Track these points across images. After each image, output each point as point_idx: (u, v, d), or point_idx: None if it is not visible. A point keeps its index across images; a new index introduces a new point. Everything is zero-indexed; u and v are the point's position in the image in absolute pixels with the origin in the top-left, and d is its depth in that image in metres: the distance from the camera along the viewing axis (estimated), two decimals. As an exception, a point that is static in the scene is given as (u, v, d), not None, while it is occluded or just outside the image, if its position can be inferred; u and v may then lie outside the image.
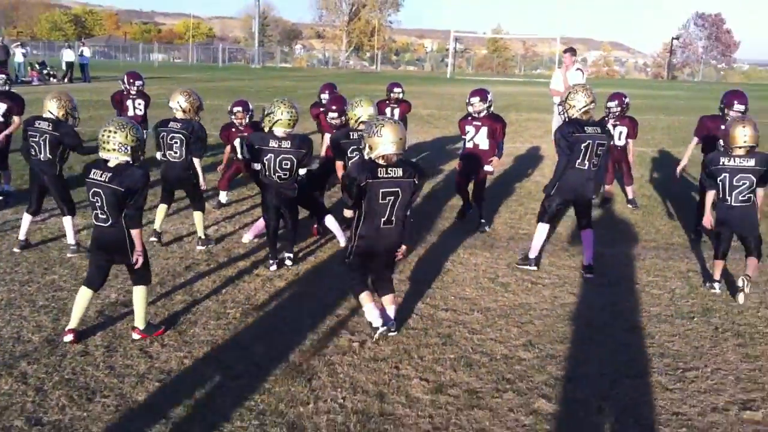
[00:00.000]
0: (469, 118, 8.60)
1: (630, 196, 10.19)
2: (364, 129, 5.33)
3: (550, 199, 7.14)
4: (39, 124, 7.27)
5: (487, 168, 8.49)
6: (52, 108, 7.26)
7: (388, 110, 12.11)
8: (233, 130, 9.25)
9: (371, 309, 5.34)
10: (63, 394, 4.42)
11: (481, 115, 8.51)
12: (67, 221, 7.39)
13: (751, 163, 6.42)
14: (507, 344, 5.40)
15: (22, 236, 7.48)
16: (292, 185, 6.97)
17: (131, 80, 11.21)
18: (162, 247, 7.58)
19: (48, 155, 7.23)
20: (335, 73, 65.47)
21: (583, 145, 6.77)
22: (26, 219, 7.49)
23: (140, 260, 5.21)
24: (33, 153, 7.27)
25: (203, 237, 7.73)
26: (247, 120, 9.23)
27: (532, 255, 7.26)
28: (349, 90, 33.77)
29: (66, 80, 35.94)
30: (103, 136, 5.09)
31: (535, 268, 7.22)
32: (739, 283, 6.39)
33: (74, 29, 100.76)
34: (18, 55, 35.47)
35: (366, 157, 5.24)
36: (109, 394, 4.45)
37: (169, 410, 4.26)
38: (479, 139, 8.52)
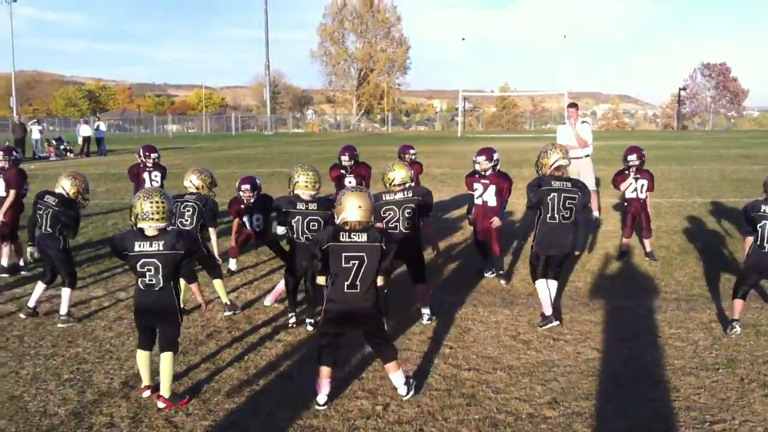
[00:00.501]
0: (477, 175, 8.81)
1: (648, 249, 10.18)
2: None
3: (533, 256, 7.33)
4: (47, 198, 7.62)
5: (494, 222, 8.70)
6: (66, 185, 7.62)
7: None
8: (242, 206, 9.19)
9: (320, 383, 5.35)
10: (90, 468, 4.43)
11: (488, 173, 8.71)
12: (65, 292, 7.56)
13: None
14: (532, 403, 5.38)
15: (31, 303, 7.69)
16: None
17: (147, 153, 11.41)
18: (184, 317, 7.63)
19: (48, 229, 7.53)
20: (347, 136, 66.25)
21: (549, 198, 6.98)
22: (39, 287, 7.73)
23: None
24: (39, 225, 7.59)
25: (228, 303, 7.79)
26: (255, 196, 9.10)
27: (547, 312, 7.26)
28: (365, 152, 34.20)
29: (83, 155, 36.56)
30: (149, 206, 5.27)
31: (557, 323, 7.19)
32: None
33: (88, 104, 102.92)
34: (35, 132, 36.21)
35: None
36: (136, 466, 4.46)
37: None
38: (488, 196, 8.74)
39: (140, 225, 5.33)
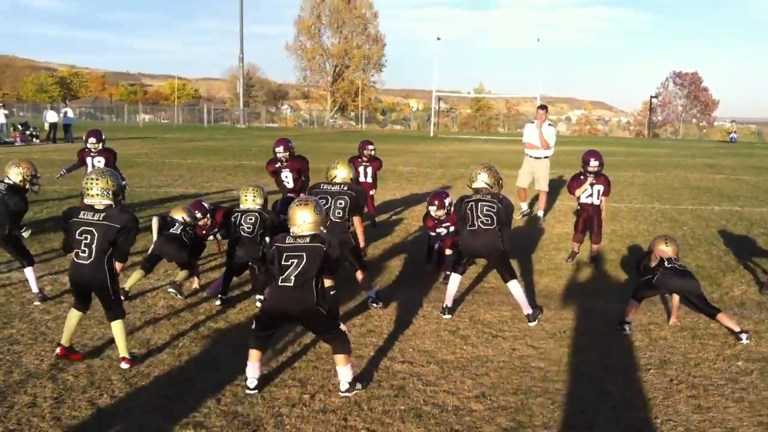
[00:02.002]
0: (436, 221, 9.12)
1: (593, 254, 10.19)
2: None
3: (459, 256, 7.59)
4: None
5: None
6: (12, 174, 7.73)
7: (361, 168, 12.24)
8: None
9: (249, 366, 5.39)
10: (4, 448, 4.38)
11: (443, 218, 9.08)
12: (28, 272, 7.59)
13: None
14: (459, 396, 5.40)
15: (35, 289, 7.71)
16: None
17: (88, 138, 11.37)
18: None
19: None
20: (320, 132, 66.10)
21: (468, 208, 7.28)
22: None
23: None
24: None
25: (176, 282, 7.88)
26: (210, 222, 9.07)
27: (447, 303, 7.50)
28: (334, 148, 34.13)
29: (49, 141, 36.08)
30: (86, 183, 5.69)
31: (448, 316, 7.41)
32: None
33: (60, 91, 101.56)
34: (0, 116, 35.64)
35: None
36: (51, 447, 4.42)
37: (109, 463, 4.23)
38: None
39: (86, 201, 5.73)
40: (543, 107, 14.41)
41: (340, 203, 7.57)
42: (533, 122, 14.20)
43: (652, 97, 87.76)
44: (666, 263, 7.13)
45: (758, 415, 5.18)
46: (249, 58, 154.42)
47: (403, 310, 7.62)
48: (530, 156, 14.02)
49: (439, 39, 73.96)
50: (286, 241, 5.37)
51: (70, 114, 39.09)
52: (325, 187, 7.80)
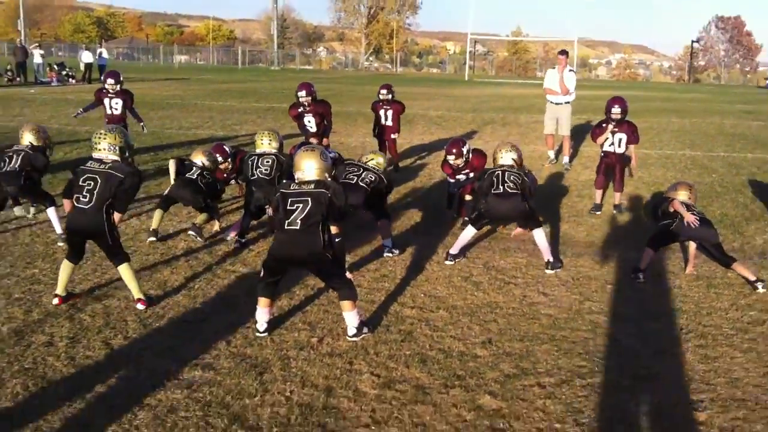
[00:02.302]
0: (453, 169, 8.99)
1: (616, 201, 10.08)
2: None
3: (479, 214, 7.53)
4: (15, 146, 8.03)
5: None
6: (31, 138, 8.05)
7: (382, 111, 12.24)
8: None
9: (259, 312, 5.48)
10: (19, 383, 4.54)
11: (461, 166, 8.88)
12: (51, 212, 7.86)
13: None
14: (465, 342, 5.45)
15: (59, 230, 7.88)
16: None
17: (106, 79, 11.49)
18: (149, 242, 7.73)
19: (16, 167, 7.76)
20: (354, 74, 65.73)
21: (493, 176, 7.35)
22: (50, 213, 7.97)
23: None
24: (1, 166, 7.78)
25: (197, 225, 8.00)
26: (231, 166, 9.22)
27: (452, 250, 7.55)
28: (366, 91, 33.83)
29: (84, 81, 36.37)
30: (95, 138, 5.91)
31: (450, 262, 7.45)
32: None
33: (97, 31, 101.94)
34: (36, 57, 35.97)
35: None
36: (65, 384, 4.57)
37: (117, 400, 4.37)
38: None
39: (93, 155, 5.92)
40: (563, 52, 14.32)
41: (371, 178, 7.67)
42: (554, 68, 14.10)
43: (693, 41, 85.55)
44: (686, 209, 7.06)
45: (765, 366, 5.16)
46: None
47: (418, 255, 7.66)
48: (551, 102, 14.03)
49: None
50: (291, 187, 5.40)
51: (105, 54, 39.43)
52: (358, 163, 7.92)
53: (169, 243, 7.83)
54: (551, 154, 14.07)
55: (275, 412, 4.29)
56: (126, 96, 11.50)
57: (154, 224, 7.93)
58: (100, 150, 5.87)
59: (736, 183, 12.27)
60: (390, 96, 12.32)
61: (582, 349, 5.40)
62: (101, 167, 5.78)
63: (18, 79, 34.57)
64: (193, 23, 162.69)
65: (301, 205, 5.30)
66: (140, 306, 5.88)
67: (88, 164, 5.85)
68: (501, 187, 7.26)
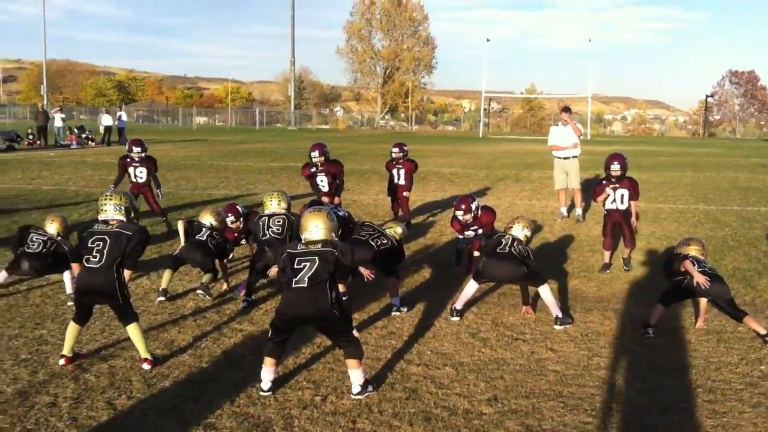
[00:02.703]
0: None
1: (625, 256, 9.98)
2: None
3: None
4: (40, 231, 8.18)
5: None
6: (49, 229, 8.19)
7: (395, 170, 12.34)
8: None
9: (264, 371, 5.49)
10: (21, 445, 4.54)
11: (470, 222, 8.96)
12: (66, 274, 7.89)
13: None
14: (471, 399, 5.40)
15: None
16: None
17: (132, 147, 11.66)
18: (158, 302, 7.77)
19: (43, 250, 7.98)
20: (370, 133, 66.40)
21: (503, 238, 7.56)
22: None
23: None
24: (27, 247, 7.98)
25: (205, 284, 8.06)
26: (242, 226, 9.12)
27: (456, 305, 7.58)
28: (381, 149, 34.12)
29: (104, 144, 37.00)
30: (101, 200, 6.10)
31: (456, 319, 7.46)
32: None
33: (118, 95, 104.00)
34: (57, 120, 36.72)
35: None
36: (66, 444, 4.57)
37: (118, 461, 4.35)
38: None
39: (100, 217, 6.08)
40: (566, 109, 14.53)
41: (384, 241, 7.74)
42: (557, 125, 14.30)
43: (707, 96, 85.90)
44: (697, 267, 7.02)
45: (775, 422, 5.08)
46: (301, 62, 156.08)
47: (426, 312, 7.65)
48: (559, 157, 14.16)
49: (488, 40, 73.69)
50: (298, 248, 5.46)
51: (124, 117, 40.17)
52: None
53: (178, 302, 7.88)
54: (564, 210, 14.05)
55: (275, 472, 4.25)
56: (150, 163, 11.69)
57: (163, 284, 8.00)
58: (106, 212, 6.02)
59: (749, 237, 12.18)
60: (402, 154, 12.45)
61: (588, 405, 5.33)
62: (109, 228, 5.93)
63: (39, 142, 35.25)
64: (212, 86, 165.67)
65: (308, 264, 5.35)
66: (146, 366, 5.89)
67: (96, 227, 5.99)
68: (506, 249, 7.37)
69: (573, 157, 13.96)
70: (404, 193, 12.46)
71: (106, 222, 6.00)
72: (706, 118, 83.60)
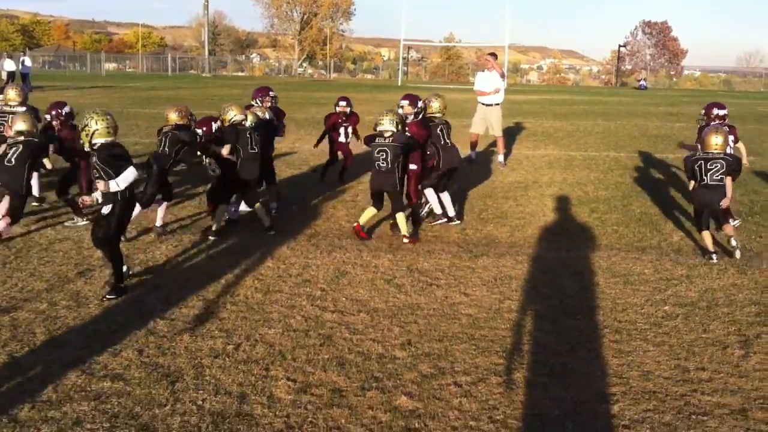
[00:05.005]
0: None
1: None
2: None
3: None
4: None
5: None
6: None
7: (342, 129, 11.56)
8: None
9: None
10: None
11: (409, 119, 8.87)
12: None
13: None
14: (385, 344, 5.42)
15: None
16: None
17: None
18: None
19: None
20: (288, 81, 65.34)
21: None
22: None
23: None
24: None
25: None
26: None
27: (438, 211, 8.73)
28: (299, 97, 33.68)
29: (6, 89, 35.31)
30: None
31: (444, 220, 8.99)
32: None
33: (21, 39, 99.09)
34: (-52, 65, 34.81)
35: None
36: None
37: (20, 414, 4.20)
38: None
39: None
40: (492, 54, 14.75)
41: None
42: (484, 71, 14.39)
43: (620, 46, 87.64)
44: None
45: (676, 359, 5.27)
46: (215, 6, 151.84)
47: (341, 259, 7.61)
48: (482, 103, 14.33)
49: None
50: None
51: (29, 63, 38.24)
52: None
53: (85, 252, 7.60)
54: (473, 154, 14.27)
55: (185, 421, 4.19)
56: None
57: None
58: None
59: (656, 182, 12.56)
60: (349, 109, 11.65)
61: (500, 347, 5.43)
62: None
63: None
64: (121, 30, 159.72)
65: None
66: None
67: None
68: (448, 141, 9.25)
69: (496, 104, 14.18)
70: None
71: None
72: (618, 67, 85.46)
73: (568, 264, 7.61)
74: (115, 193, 6.15)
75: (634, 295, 6.70)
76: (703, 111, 9.87)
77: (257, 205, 8.49)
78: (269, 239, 8.23)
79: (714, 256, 7.76)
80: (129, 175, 6.20)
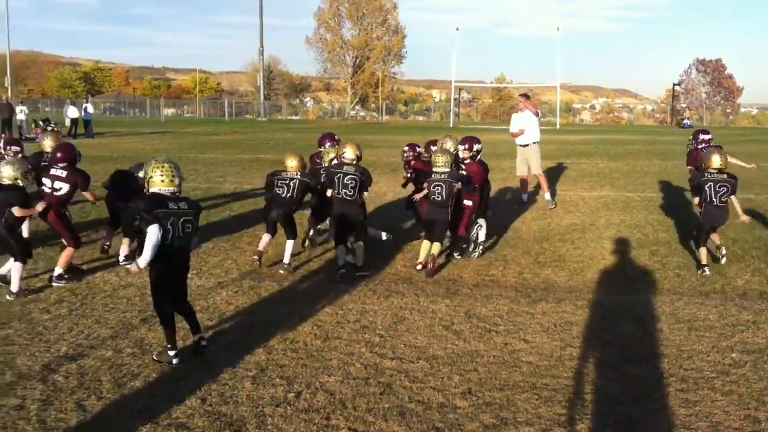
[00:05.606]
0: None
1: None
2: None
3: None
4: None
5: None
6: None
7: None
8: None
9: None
10: (-13, 449, 4.45)
11: (467, 162, 9.66)
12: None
13: None
14: (445, 392, 5.39)
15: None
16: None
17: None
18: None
19: None
20: (340, 123, 66.10)
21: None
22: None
23: None
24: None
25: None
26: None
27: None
28: (354, 140, 33.98)
29: (70, 136, 36.41)
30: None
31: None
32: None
33: (84, 86, 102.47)
34: (19, 113, 36.13)
35: None
36: (34, 448, 4.47)
37: (88, 464, 4.28)
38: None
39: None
40: (524, 95, 14.78)
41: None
42: (518, 113, 14.47)
43: (675, 84, 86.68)
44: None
45: (746, 409, 5.13)
46: (270, 51, 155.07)
47: (398, 305, 7.61)
48: (519, 144, 14.38)
49: (458, 29, 73.66)
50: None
51: (91, 109, 39.46)
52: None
53: (147, 299, 7.73)
54: (524, 197, 14.32)
55: (249, 472, 4.21)
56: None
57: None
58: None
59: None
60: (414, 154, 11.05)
61: (562, 396, 5.34)
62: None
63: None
64: (179, 76, 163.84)
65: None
66: None
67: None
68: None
69: (533, 143, 14.13)
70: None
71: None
72: (673, 106, 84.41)
73: (629, 309, 7.49)
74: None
75: (699, 341, 6.55)
76: (692, 136, 12.51)
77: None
78: (326, 285, 8.29)
79: (707, 269, 8.81)
80: (150, 241, 5.61)
